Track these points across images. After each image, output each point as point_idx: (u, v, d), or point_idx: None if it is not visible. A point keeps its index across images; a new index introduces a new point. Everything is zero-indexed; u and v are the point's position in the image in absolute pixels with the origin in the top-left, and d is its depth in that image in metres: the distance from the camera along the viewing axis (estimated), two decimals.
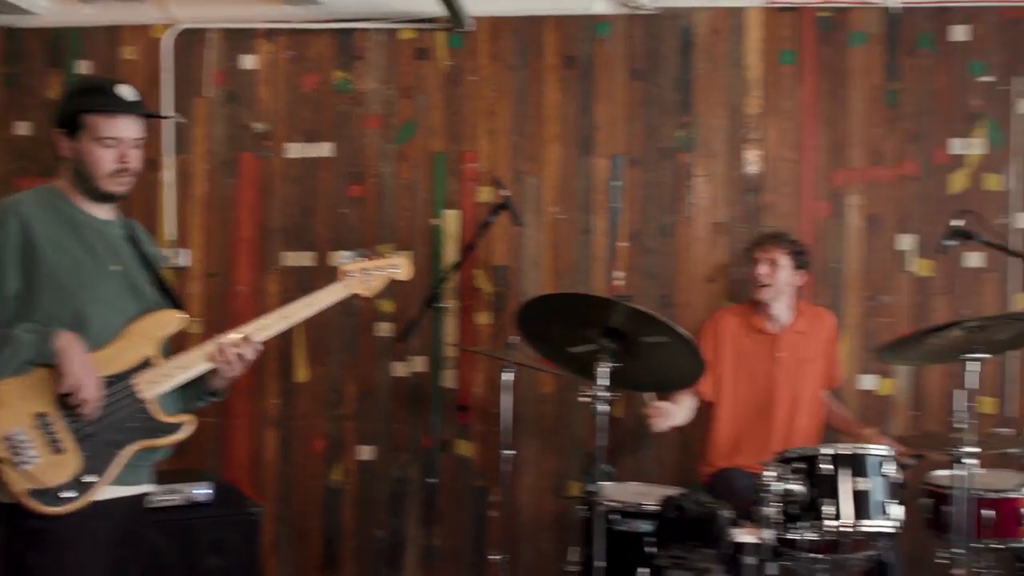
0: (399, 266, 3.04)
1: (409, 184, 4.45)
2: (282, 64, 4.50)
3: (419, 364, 4.44)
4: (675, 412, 3.85)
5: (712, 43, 4.37)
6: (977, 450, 3.18)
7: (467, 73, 4.42)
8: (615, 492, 3.45)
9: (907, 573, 3.73)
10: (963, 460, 3.18)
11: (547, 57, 4.40)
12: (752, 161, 4.37)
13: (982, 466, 3.63)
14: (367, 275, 2.94)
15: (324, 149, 4.49)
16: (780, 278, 3.94)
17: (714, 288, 4.36)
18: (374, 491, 4.47)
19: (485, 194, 4.38)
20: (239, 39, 4.52)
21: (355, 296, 2.94)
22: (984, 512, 3.36)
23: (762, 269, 3.94)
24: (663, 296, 4.36)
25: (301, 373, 4.48)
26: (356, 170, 4.46)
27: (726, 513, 2.88)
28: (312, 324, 4.17)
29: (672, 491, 3.22)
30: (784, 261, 3.95)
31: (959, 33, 4.36)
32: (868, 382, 4.34)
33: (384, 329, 4.43)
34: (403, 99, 4.45)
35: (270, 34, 4.50)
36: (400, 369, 4.45)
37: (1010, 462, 3.81)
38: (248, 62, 4.51)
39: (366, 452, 4.47)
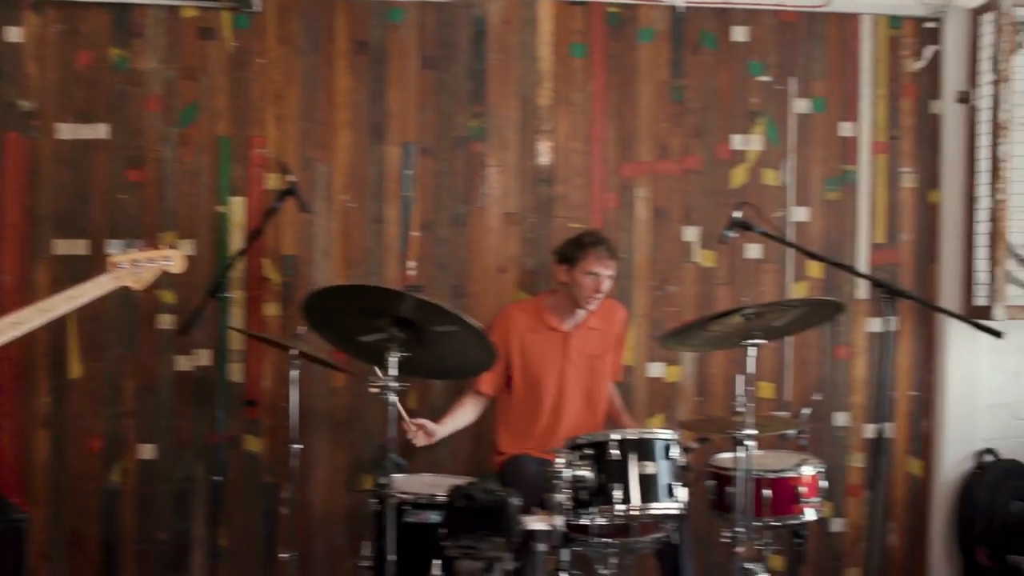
0: (172, 258, 2.90)
1: (192, 170, 4.23)
2: (51, 38, 4.19)
3: (203, 357, 4.24)
4: (437, 428, 3.85)
5: (504, 33, 4.37)
6: (756, 432, 3.30)
7: (254, 55, 4.25)
8: (407, 484, 3.39)
9: (694, 553, 3.84)
10: (744, 442, 3.29)
11: (338, 41, 4.29)
12: (544, 152, 4.40)
13: (762, 448, 3.79)
14: (137, 267, 2.78)
15: (99, 131, 4.21)
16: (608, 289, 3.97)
17: (506, 278, 4.37)
18: (156, 491, 4.24)
19: (273, 181, 4.22)
20: (1, 10, 4.18)
21: (124, 288, 2.76)
22: (764, 491, 3.49)
23: (605, 285, 3.91)
24: (456, 286, 4.34)
25: (75, 368, 4.20)
26: (134, 154, 4.21)
27: (516, 501, 2.87)
28: (86, 316, 3.95)
29: (462, 480, 3.19)
30: (614, 274, 3.97)
31: (739, 34, 4.54)
32: (656, 370, 4.46)
33: (165, 321, 4.21)
34: (185, 80, 4.23)
35: (38, 5, 4.18)
36: (183, 363, 4.24)
37: (787, 443, 3.98)
38: (13, 35, 4.18)
39: (147, 451, 4.23)
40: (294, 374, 3.73)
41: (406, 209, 4.31)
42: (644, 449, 3.23)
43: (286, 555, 3.84)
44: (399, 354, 3.16)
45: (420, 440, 3.78)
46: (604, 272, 3.88)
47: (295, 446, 3.76)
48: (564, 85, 4.41)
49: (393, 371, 3.16)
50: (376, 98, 4.30)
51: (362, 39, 4.29)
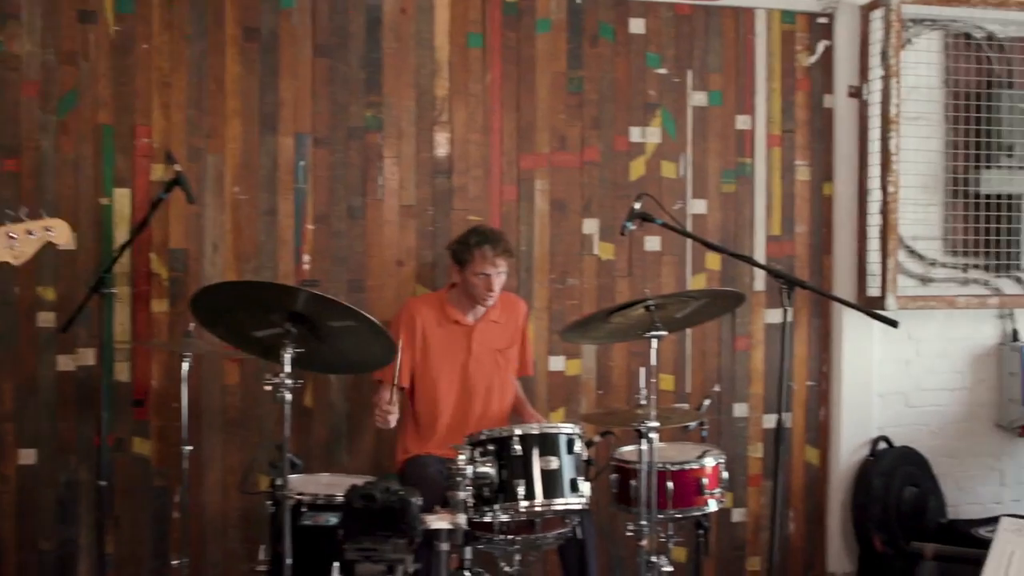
0: (55, 228, 2.67)
1: (72, 159, 4.02)
2: None
3: (87, 356, 4.03)
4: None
5: (400, 22, 4.28)
6: (658, 425, 3.28)
7: (138, 41, 4.06)
8: (304, 484, 3.29)
9: (599, 547, 3.81)
10: (647, 435, 3.27)
11: (227, 27, 4.12)
12: (441, 143, 4.32)
13: (663, 440, 3.79)
14: (13, 241, 2.56)
15: None
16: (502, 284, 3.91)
17: (405, 272, 4.28)
18: (38, 498, 4.02)
19: (159, 171, 4.04)
20: None
21: (2, 264, 2.55)
22: (667, 484, 3.48)
23: (497, 285, 3.86)
24: (353, 280, 4.22)
25: None
26: (10, 142, 3.98)
27: (416, 500, 2.79)
28: None
29: (360, 480, 3.09)
30: (507, 268, 3.92)
31: (636, 26, 4.52)
32: (556, 363, 4.42)
33: (46, 319, 3.99)
34: (65, 66, 4.01)
35: None
36: (65, 363, 4.03)
37: (688, 435, 3.98)
38: None
39: (27, 456, 4.01)
40: (184, 372, 3.58)
41: (300, 202, 4.19)
42: (547, 444, 3.19)
43: (177, 561, 3.69)
44: (294, 349, 3.05)
45: (393, 422, 3.66)
46: (494, 271, 3.83)
47: (186, 447, 3.61)
48: (461, 75, 4.34)
49: (287, 367, 3.04)
50: (267, 87, 4.16)
51: (252, 25, 4.14)
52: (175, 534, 4.06)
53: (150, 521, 4.09)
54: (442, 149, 4.32)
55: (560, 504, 3.17)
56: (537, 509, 3.14)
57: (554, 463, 3.17)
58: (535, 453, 3.16)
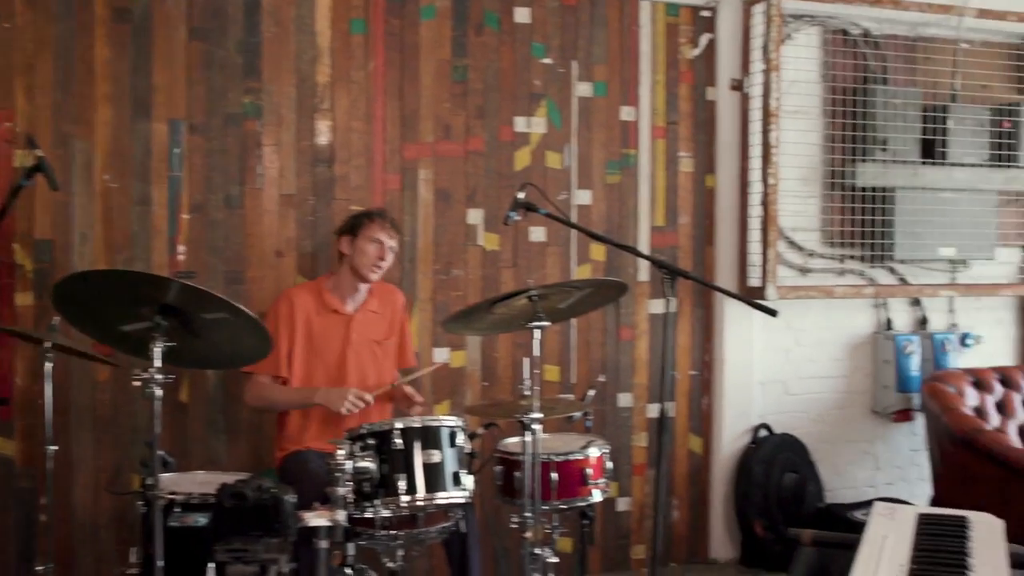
0: None
1: None
2: None
3: None
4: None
5: (279, 6, 4.15)
6: (542, 416, 3.25)
7: (0, 20, 3.86)
8: (177, 483, 3.16)
9: (483, 540, 3.78)
10: (530, 426, 3.24)
11: (96, 8, 3.94)
12: (322, 131, 4.22)
13: (548, 431, 3.77)
14: None
15: None
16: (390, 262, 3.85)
17: (285, 263, 4.16)
18: None
19: (21, 157, 3.84)
20: None
21: None
22: (551, 475, 3.45)
23: (388, 255, 3.82)
24: (231, 271, 4.09)
25: None
26: None
27: (290, 498, 2.70)
28: None
29: (232, 478, 2.98)
30: (396, 246, 3.86)
31: (522, 15, 4.49)
32: (441, 355, 4.37)
33: None
34: None
35: None
36: None
37: (573, 426, 3.97)
38: None
39: None
40: (48, 368, 3.40)
41: (175, 190, 4.04)
42: (429, 437, 3.12)
43: (42, 567, 3.52)
44: (164, 344, 2.92)
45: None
46: (387, 240, 3.81)
47: (50, 447, 3.45)
48: (343, 62, 4.24)
49: (157, 361, 2.91)
50: (140, 71, 3.99)
51: (122, 6, 3.96)
52: (41, 538, 3.87)
53: (13, 526, 3.90)
54: (323, 137, 4.22)
55: (442, 498, 3.11)
56: (419, 504, 3.08)
57: (436, 456, 3.11)
58: (416, 447, 3.09)
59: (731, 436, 4.81)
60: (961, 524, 2.16)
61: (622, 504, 4.66)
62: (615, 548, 4.66)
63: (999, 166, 5.10)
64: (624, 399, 4.66)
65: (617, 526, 4.66)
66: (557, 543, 3.68)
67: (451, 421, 3.20)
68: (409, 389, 3.82)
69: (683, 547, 4.80)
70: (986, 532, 2.13)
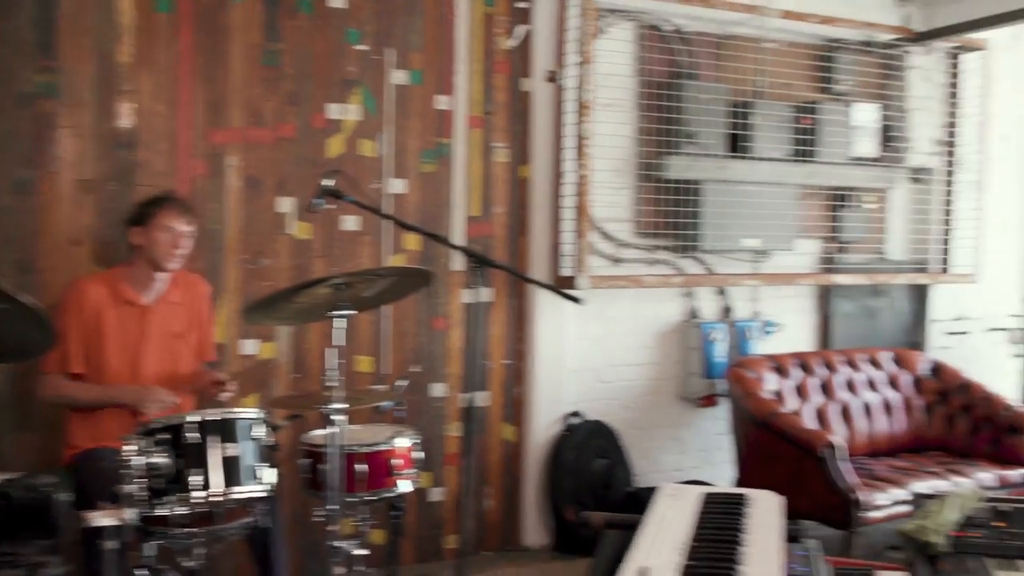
0: None
1: None
2: None
3: None
4: None
5: None
6: (345, 406, 3.21)
7: None
8: None
9: (290, 535, 3.71)
10: (332, 417, 3.19)
11: None
12: (124, 114, 4.04)
13: (360, 422, 3.74)
14: None
15: None
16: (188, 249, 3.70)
17: (81, 252, 3.97)
18: None
19: None
20: None
21: None
22: (358, 467, 3.42)
23: (184, 244, 3.67)
24: (21, 261, 3.88)
25: None
26: None
27: (63, 496, 2.58)
28: None
29: (3, 478, 2.83)
30: (192, 232, 3.71)
31: (337, 0, 4.41)
32: (249, 347, 4.27)
33: None
34: None
35: None
36: None
37: (384, 416, 3.95)
38: None
39: None
40: None
41: None
42: (226, 430, 3.03)
43: None
44: None
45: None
46: (181, 226, 3.66)
47: None
48: (147, 42, 4.08)
49: None
50: None
51: None
52: None
53: None
54: (125, 120, 4.05)
55: (240, 492, 3.02)
56: (215, 499, 2.99)
57: (233, 450, 3.03)
58: (213, 441, 3.00)
59: (544, 424, 4.87)
60: (740, 502, 2.23)
61: (435, 494, 4.66)
62: (428, 539, 4.66)
63: (800, 161, 5.33)
64: (438, 389, 4.66)
65: (431, 516, 4.66)
66: (368, 535, 3.65)
67: (249, 413, 3.11)
68: (217, 374, 3.71)
69: (496, 535, 4.84)
70: (764, 508, 2.21)
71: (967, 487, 4.04)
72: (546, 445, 4.88)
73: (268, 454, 3.14)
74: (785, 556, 1.94)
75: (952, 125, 5.94)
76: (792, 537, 2.13)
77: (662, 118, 5.04)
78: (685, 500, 2.26)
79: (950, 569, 2.51)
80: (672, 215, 5.07)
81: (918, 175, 5.90)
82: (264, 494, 3.12)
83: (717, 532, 2.01)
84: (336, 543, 3.25)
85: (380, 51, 4.51)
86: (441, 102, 4.64)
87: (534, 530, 4.89)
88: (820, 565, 2.01)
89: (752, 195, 5.18)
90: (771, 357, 5.01)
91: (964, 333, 6.16)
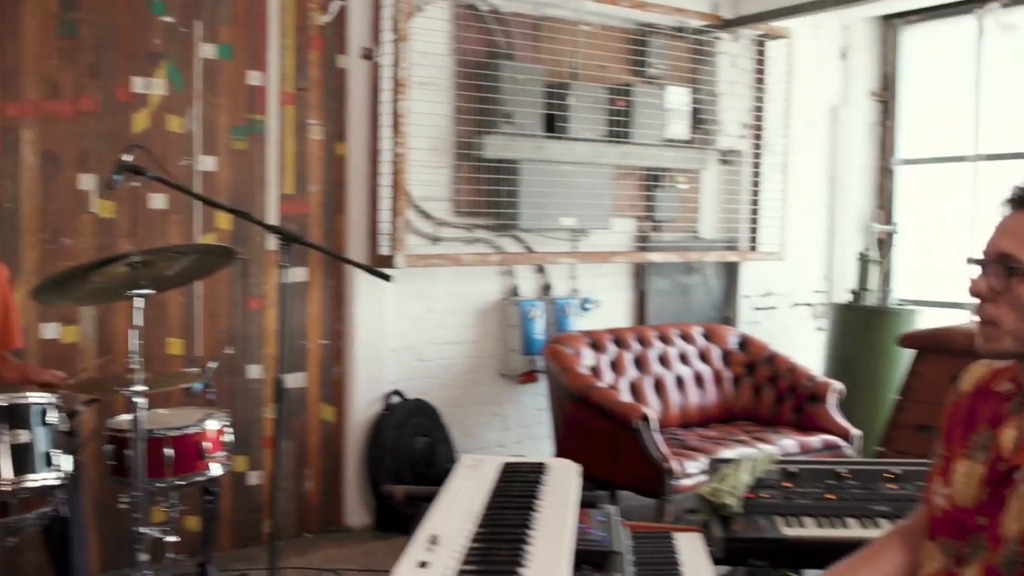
0: None
1: None
2: None
3: None
4: None
5: None
6: (146, 388, 3.11)
7: None
8: None
9: (95, 522, 3.57)
10: (135, 400, 3.09)
11: None
12: None
13: (172, 406, 3.63)
14: None
15: None
16: None
17: None
18: None
19: None
20: None
21: None
22: (165, 451, 3.33)
23: None
24: None
25: None
26: None
27: None
28: None
29: None
30: None
31: None
32: (51, 331, 4.08)
33: None
34: None
35: None
36: None
37: (196, 399, 3.85)
38: None
39: None
40: None
41: None
42: (16, 417, 2.90)
43: None
44: None
45: None
46: None
47: None
48: None
49: None
50: None
51: None
52: None
53: None
54: None
55: (32, 481, 2.91)
56: (5, 488, 2.86)
57: (24, 437, 2.90)
58: (1, 428, 2.86)
59: (363, 404, 4.84)
60: (539, 470, 2.27)
61: (253, 478, 4.58)
62: (247, 523, 4.57)
63: (614, 142, 5.44)
64: (254, 371, 4.56)
65: (248, 500, 4.57)
66: (182, 522, 3.56)
67: (40, 398, 2.99)
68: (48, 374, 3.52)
69: (317, 516, 4.79)
70: (560, 476, 2.26)
71: (761, 452, 4.24)
72: (366, 425, 4.85)
73: (64, 440, 3.02)
74: (579, 521, 1.98)
75: (759, 110, 6.19)
76: (591, 503, 2.18)
77: (479, 97, 5.06)
78: (484, 470, 2.28)
79: (742, 528, 2.64)
80: (490, 194, 5.11)
81: (727, 157, 6.13)
82: (60, 482, 3.00)
83: (512, 499, 2.04)
84: (142, 530, 3.15)
85: (188, 23, 4.37)
86: (253, 77, 4.54)
87: (355, 510, 4.86)
88: (618, 529, 2.07)
89: (569, 175, 5.27)
90: (587, 333, 5.12)
91: (771, 308, 6.44)
